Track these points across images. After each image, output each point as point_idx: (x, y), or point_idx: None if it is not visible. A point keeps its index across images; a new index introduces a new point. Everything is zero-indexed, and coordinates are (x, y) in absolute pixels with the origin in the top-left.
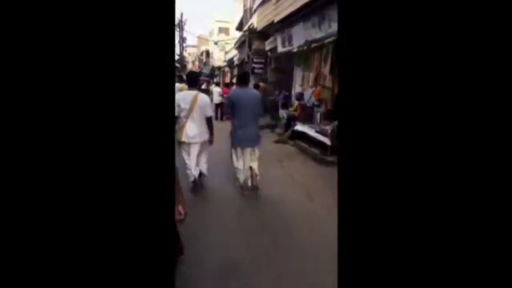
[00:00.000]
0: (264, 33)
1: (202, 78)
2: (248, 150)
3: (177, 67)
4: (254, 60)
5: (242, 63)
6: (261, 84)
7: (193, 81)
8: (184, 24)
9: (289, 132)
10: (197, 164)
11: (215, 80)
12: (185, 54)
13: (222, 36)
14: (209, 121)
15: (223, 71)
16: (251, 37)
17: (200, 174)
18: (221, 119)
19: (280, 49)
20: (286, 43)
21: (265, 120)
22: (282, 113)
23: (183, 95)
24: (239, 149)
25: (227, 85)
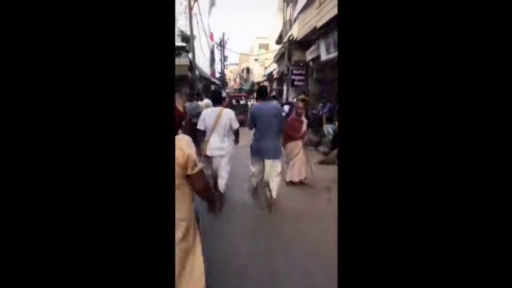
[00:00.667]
0: (305, 43)
1: (241, 94)
2: (268, 162)
3: (219, 84)
4: (294, 71)
5: (281, 76)
6: (302, 96)
7: (217, 99)
8: (226, 43)
9: (336, 151)
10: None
11: (255, 95)
12: (226, 71)
13: (262, 52)
14: (236, 132)
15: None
16: (291, 49)
17: (220, 193)
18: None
19: (323, 57)
20: (331, 49)
21: (307, 135)
22: (327, 128)
23: (209, 112)
24: (257, 160)
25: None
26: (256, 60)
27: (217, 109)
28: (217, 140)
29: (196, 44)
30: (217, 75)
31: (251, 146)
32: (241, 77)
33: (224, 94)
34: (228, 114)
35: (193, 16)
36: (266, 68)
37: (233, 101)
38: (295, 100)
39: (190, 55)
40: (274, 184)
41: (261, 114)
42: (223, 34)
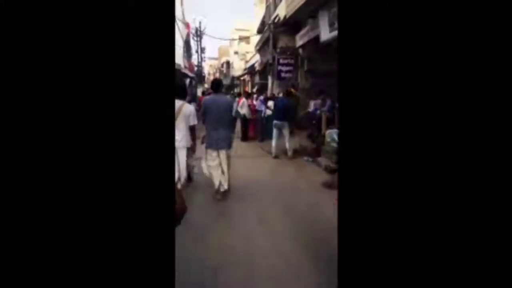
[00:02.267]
0: (294, 24)
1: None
2: (222, 152)
3: (194, 78)
4: (281, 61)
5: (265, 67)
6: (291, 90)
7: (181, 93)
8: (203, 33)
9: None
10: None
11: (235, 90)
12: (205, 65)
13: (243, 45)
14: (192, 129)
15: (243, 80)
16: (277, 32)
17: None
18: (245, 138)
19: (325, 36)
20: (337, 24)
21: (293, 142)
22: (331, 133)
23: None
24: (212, 151)
25: (248, 95)
26: (236, 53)
27: (179, 103)
28: (178, 133)
29: None
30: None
31: (204, 139)
32: (220, 72)
33: (200, 90)
34: (188, 109)
35: None
36: (247, 62)
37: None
38: (280, 95)
39: None
40: (226, 169)
41: (213, 107)
42: (200, 22)
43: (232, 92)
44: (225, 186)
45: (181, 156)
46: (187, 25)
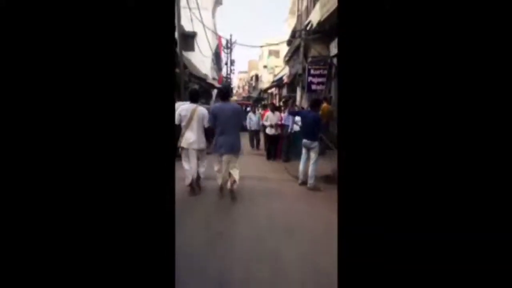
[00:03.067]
0: (329, 31)
1: (248, 102)
2: (228, 156)
3: (221, 88)
4: (312, 72)
5: (294, 79)
6: (324, 105)
7: (194, 97)
8: (233, 45)
9: None
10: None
11: (262, 103)
12: (234, 78)
13: (272, 59)
14: (206, 130)
15: (271, 94)
16: (308, 41)
17: (198, 177)
18: (257, 147)
19: None
20: None
21: (321, 165)
22: None
23: (185, 108)
24: (219, 156)
25: (275, 108)
26: (265, 67)
27: (192, 106)
28: (192, 135)
29: (196, 41)
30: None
31: (214, 143)
32: (249, 85)
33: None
34: (202, 111)
35: (191, 9)
36: (275, 75)
37: None
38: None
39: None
40: (235, 173)
41: (221, 113)
42: (231, 35)
43: (259, 104)
44: (233, 184)
45: (191, 156)
46: (219, 39)
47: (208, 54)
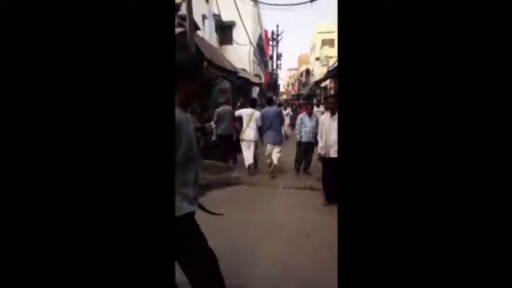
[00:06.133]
0: None
1: (298, 101)
2: (271, 145)
3: (261, 85)
4: None
5: None
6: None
7: (253, 103)
8: (280, 37)
9: None
10: (252, 155)
11: (314, 100)
12: (280, 73)
13: (326, 49)
14: (259, 128)
15: (325, 88)
16: None
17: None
18: (305, 169)
19: None
20: None
21: None
22: None
23: (245, 111)
24: (268, 145)
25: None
26: (317, 59)
27: (251, 110)
28: (250, 131)
29: (235, 33)
30: (280, 80)
31: (262, 136)
32: (299, 82)
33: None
34: (257, 114)
35: None
36: (330, 67)
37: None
38: None
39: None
40: (275, 158)
41: (266, 115)
42: (277, 26)
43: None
44: (275, 162)
45: (251, 147)
46: (265, 33)
47: (246, 45)
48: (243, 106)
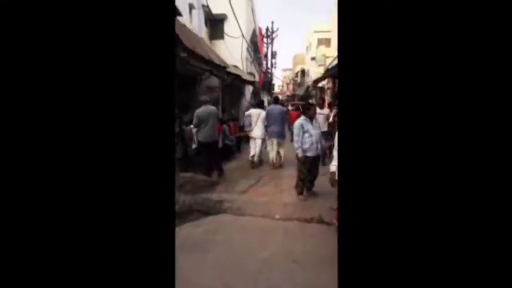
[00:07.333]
0: None
1: (298, 102)
2: (275, 140)
3: (254, 83)
4: None
5: None
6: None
7: (260, 104)
8: (275, 34)
9: None
10: (256, 151)
11: (309, 101)
12: (275, 72)
13: (322, 49)
14: (265, 127)
15: (321, 88)
16: None
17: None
18: (308, 188)
19: None
20: None
21: None
22: None
23: (253, 111)
24: (270, 140)
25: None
26: (313, 59)
27: (259, 110)
28: (257, 130)
29: (227, 27)
30: (275, 79)
31: (267, 132)
32: (294, 82)
33: (266, 100)
34: (263, 114)
35: None
36: (328, 67)
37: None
38: None
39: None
40: (281, 153)
41: (272, 113)
42: (272, 23)
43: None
44: (280, 160)
45: (258, 143)
46: (259, 31)
47: (239, 40)
48: (235, 106)
